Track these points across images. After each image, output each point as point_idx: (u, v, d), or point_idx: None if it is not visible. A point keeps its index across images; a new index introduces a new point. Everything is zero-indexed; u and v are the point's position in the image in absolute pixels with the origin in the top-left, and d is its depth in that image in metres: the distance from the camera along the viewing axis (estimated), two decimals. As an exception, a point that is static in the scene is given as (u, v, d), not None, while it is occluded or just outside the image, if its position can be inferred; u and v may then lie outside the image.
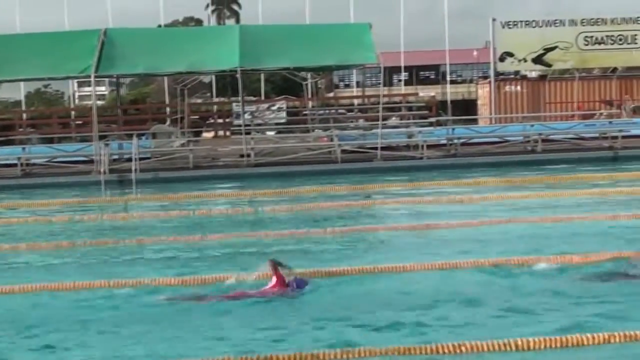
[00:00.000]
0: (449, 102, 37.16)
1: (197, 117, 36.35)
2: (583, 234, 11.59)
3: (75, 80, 40.94)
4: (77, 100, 64.37)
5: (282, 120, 33.73)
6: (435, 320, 7.50)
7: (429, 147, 23.38)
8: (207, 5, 73.05)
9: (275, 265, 8.57)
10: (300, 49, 22.65)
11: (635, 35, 35.79)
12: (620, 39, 35.79)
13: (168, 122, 31.83)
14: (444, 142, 24.21)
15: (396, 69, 49.88)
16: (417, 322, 7.44)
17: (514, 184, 17.71)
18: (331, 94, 58.55)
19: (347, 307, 7.95)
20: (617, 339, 6.65)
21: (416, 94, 40.48)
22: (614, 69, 37.58)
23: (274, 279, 8.47)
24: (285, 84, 49.87)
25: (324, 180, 19.07)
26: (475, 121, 34.16)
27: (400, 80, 52.76)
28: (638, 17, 36.05)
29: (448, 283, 8.80)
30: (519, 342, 6.58)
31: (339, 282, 8.98)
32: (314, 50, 22.64)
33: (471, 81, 57.81)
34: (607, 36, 35.74)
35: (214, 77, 43.86)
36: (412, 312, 7.73)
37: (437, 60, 56.42)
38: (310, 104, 33.00)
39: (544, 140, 23.55)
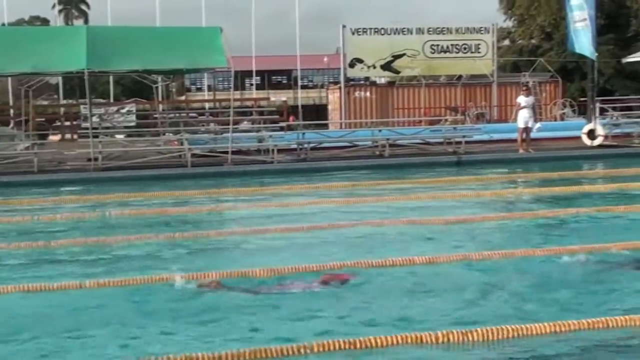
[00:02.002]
0: (300, 107, 37.46)
1: (43, 119, 35.30)
2: (425, 236, 11.92)
3: None
4: None
5: (132, 124, 33.21)
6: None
7: (280, 151, 23.51)
8: (54, 5, 71.05)
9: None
10: (150, 52, 22.31)
11: (479, 44, 37.15)
12: (465, 48, 37.07)
13: (11, 125, 30.78)
14: (295, 146, 24.39)
15: (248, 73, 50.01)
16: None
17: (362, 187, 17.97)
18: (183, 97, 58.02)
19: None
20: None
21: (268, 99, 40.62)
22: (459, 77, 38.85)
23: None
24: (136, 87, 49.18)
25: (174, 185, 18.84)
26: (325, 126, 34.59)
27: (252, 85, 52.91)
28: (481, 28, 37.45)
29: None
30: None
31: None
32: (164, 53, 22.35)
33: (322, 86, 58.51)
34: (452, 45, 36.94)
35: (60, 79, 42.71)
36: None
37: (289, 65, 56.99)
38: (160, 107, 32.60)
39: (391, 145, 24.09)
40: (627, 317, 7.23)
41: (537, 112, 25.34)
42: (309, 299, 8.35)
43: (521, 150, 23.81)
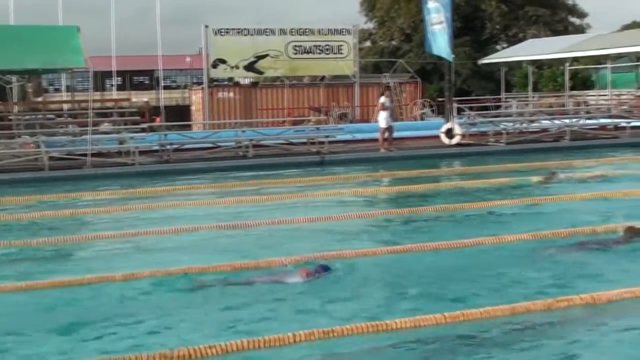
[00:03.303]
0: (162, 108, 36.95)
1: None
2: (290, 235, 12.01)
3: None
4: None
5: (-15, 126, 31.95)
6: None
7: (142, 153, 23.14)
8: None
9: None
10: (3, 51, 21.54)
11: (341, 45, 37.57)
12: (327, 49, 37.41)
13: None
14: (157, 148, 24.04)
15: (108, 74, 48.96)
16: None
17: (225, 188, 17.91)
18: (40, 99, 56.30)
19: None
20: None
21: (129, 99, 39.88)
22: (322, 78, 39.20)
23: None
24: (-11, 88, 47.33)
25: (31, 189, 18.26)
26: (188, 127, 34.25)
27: (112, 85, 51.88)
28: (343, 29, 37.89)
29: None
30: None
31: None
32: (18, 53, 21.60)
33: (185, 87, 57.94)
34: (314, 46, 37.21)
35: None
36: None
37: (151, 65, 56.03)
38: (16, 108, 31.53)
39: (255, 146, 24.08)
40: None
41: (395, 113, 25.94)
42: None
43: (382, 150, 24.26)
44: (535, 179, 17.01)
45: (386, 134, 24.38)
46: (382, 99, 25.00)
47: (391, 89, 27.66)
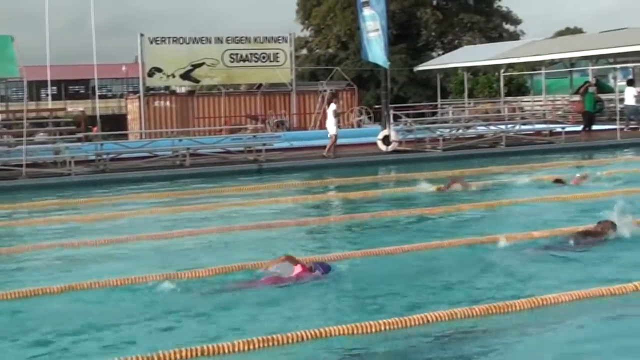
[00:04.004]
0: (98, 117, 36.53)
1: None
2: (227, 244, 11.99)
3: None
4: None
5: None
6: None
7: (78, 163, 22.88)
8: None
9: (293, 257, 9.60)
10: None
11: (277, 53, 37.61)
12: (264, 57, 37.43)
13: None
14: (93, 157, 23.78)
15: (43, 83, 48.22)
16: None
17: (161, 198, 17.79)
18: (-27, 109, 55.31)
19: None
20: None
21: (64, 109, 39.40)
22: (259, 86, 39.18)
23: (299, 267, 9.35)
24: None
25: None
26: (125, 136, 33.94)
27: (47, 95, 51.13)
28: (279, 37, 37.93)
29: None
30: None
31: None
32: (-51, 62, 21.28)
33: (121, 96, 57.40)
34: (251, 54, 37.20)
35: None
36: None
37: (87, 74, 55.37)
38: (-53, 119, 30.93)
39: (192, 155, 23.96)
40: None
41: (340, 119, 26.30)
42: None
43: (327, 155, 24.43)
44: (431, 188, 16.92)
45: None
46: (333, 106, 25.19)
47: (339, 96, 27.75)
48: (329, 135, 24.64)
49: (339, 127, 25.16)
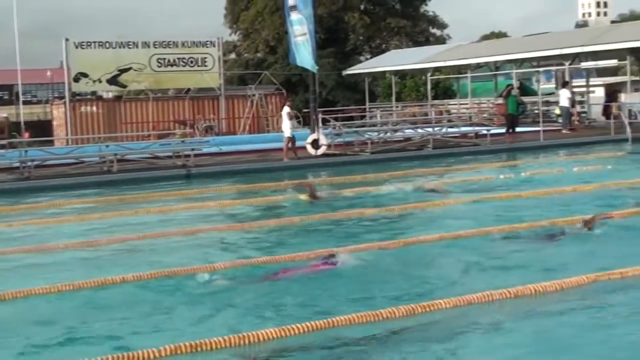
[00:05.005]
0: (22, 124, 35.92)
1: None
2: (159, 249, 11.91)
3: None
4: None
5: None
6: None
7: (1, 170, 22.44)
8: None
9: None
10: None
11: (205, 58, 37.48)
12: (192, 62, 37.26)
13: None
14: (18, 164, 23.34)
15: (-35, 90, 47.35)
16: None
17: (89, 204, 17.57)
18: None
19: None
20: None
21: (-13, 116, 38.66)
22: (187, 90, 38.95)
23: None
24: None
25: None
26: (50, 142, 33.38)
27: (-31, 101, 50.19)
28: (207, 41, 37.80)
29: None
30: None
31: None
32: None
33: (47, 102, 56.50)
34: (178, 58, 37.00)
35: None
36: None
37: (10, 80, 54.49)
38: None
39: (119, 160, 23.68)
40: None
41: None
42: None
43: (286, 159, 24.47)
44: (302, 196, 16.84)
45: (290, 144, 24.73)
46: (286, 109, 25.31)
47: (292, 100, 27.78)
48: (283, 138, 24.98)
49: (293, 128, 25.41)
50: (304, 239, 12.39)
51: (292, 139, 24.92)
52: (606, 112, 35.62)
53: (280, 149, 25.36)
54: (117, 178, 22.19)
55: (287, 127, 25.03)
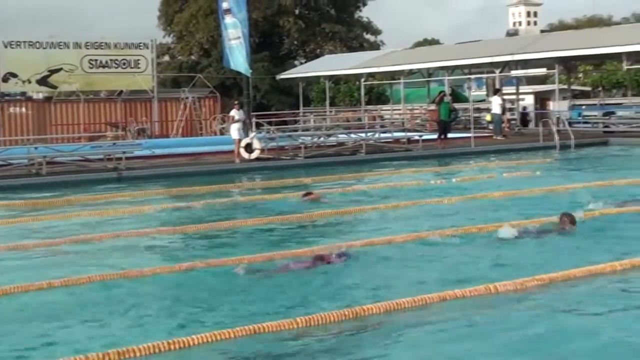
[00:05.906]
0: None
1: None
2: (87, 253, 11.77)
3: None
4: None
5: None
6: None
7: None
8: None
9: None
10: None
11: (138, 60, 37.17)
12: (124, 63, 36.92)
13: None
14: (-59, 167, 22.83)
15: None
16: None
17: (16, 208, 17.26)
18: None
19: None
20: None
21: None
22: (120, 92, 38.53)
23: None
24: None
25: None
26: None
27: None
28: (140, 43, 37.49)
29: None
30: None
31: None
32: None
33: (-26, 102, 55.28)
34: (111, 60, 36.63)
35: None
36: None
37: (-64, 79, 53.18)
38: None
39: (49, 163, 23.29)
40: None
41: (247, 125, 26.69)
42: None
43: (237, 160, 24.40)
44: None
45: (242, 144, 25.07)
46: (233, 112, 25.52)
47: (242, 103, 27.67)
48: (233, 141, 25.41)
49: (240, 131, 25.45)
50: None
51: (240, 142, 24.97)
52: (523, 120, 36.41)
53: (213, 153, 25.25)
54: (46, 181, 21.79)
55: (234, 129, 25.29)
